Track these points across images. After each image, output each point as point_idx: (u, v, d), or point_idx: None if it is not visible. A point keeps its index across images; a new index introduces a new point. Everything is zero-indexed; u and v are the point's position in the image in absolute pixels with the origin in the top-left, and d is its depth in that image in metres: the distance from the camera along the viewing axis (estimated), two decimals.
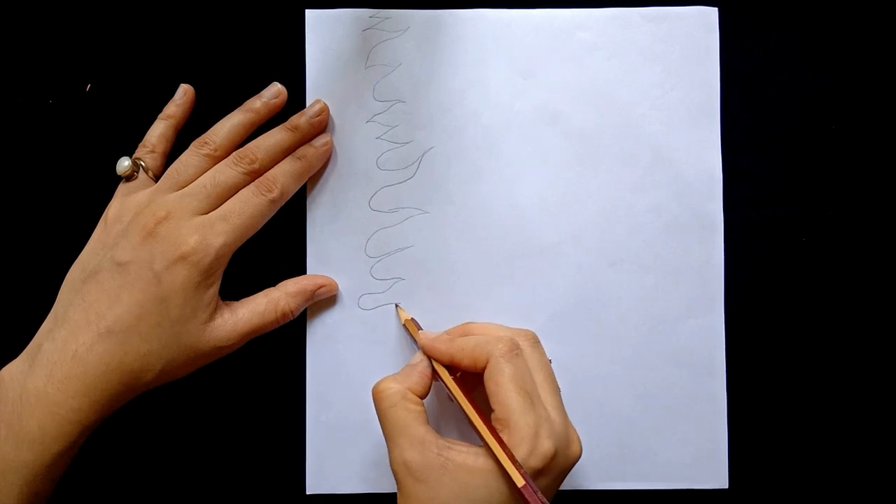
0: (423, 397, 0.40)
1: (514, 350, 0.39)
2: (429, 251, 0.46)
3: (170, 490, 0.45)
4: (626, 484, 0.45)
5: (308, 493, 0.45)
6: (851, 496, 0.46)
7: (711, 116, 0.46)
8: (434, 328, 0.45)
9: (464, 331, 0.44)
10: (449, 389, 0.41)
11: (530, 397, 0.38)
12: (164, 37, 0.47)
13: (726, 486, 0.45)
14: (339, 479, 0.45)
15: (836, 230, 0.46)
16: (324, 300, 0.45)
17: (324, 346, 0.46)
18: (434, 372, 0.41)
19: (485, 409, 0.39)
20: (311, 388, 0.45)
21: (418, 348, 0.43)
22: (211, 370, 0.43)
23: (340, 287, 0.46)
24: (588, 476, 0.45)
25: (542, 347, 0.42)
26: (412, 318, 0.45)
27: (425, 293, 0.46)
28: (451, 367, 0.41)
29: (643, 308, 0.46)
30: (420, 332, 0.44)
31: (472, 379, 0.40)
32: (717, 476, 0.45)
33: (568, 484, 0.45)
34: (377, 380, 0.40)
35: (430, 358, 0.42)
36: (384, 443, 0.45)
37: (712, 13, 0.46)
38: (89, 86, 0.47)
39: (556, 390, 0.40)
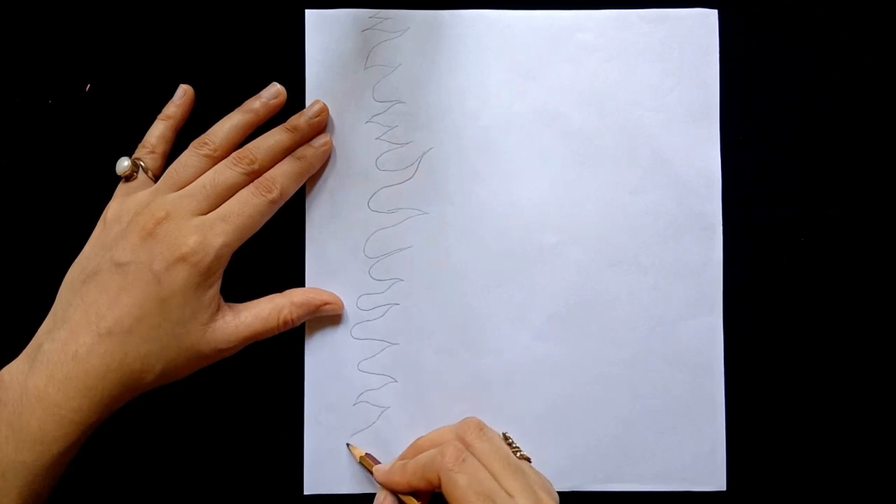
0: None
1: (461, 455, 0.39)
2: (428, 252, 0.46)
3: (169, 490, 0.46)
4: (623, 485, 0.45)
5: (306, 493, 0.45)
6: (850, 498, 0.46)
7: (710, 117, 0.46)
8: (433, 330, 0.45)
9: (415, 450, 0.43)
10: None
11: (492, 498, 0.37)
12: (164, 37, 0.47)
13: (724, 489, 0.45)
14: (336, 479, 0.45)
15: (836, 230, 0.46)
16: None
17: (322, 346, 0.46)
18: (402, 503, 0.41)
19: None
20: (309, 389, 0.46)
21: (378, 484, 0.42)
22: (210, 371, 0.43)
23: (339, 287, 0.46)
24: (586, 477, 0.45)
25: (489, 431, 0.41)
26: (367, 454, 0.44)
27: (424, 294, 0.46)
28: (419, 493, 0.40)
29: (642, 309, 0.46)
30: (375, 466, 0.43)
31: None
32: (715, 478, 0.45)
33: (566, 485, 0.45)
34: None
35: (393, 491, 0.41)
36: (382, 443, 0.45)
37: (712, 15, 0.46)
38: (89, 86, 0.47)
39: (517, 470, 0.39)
